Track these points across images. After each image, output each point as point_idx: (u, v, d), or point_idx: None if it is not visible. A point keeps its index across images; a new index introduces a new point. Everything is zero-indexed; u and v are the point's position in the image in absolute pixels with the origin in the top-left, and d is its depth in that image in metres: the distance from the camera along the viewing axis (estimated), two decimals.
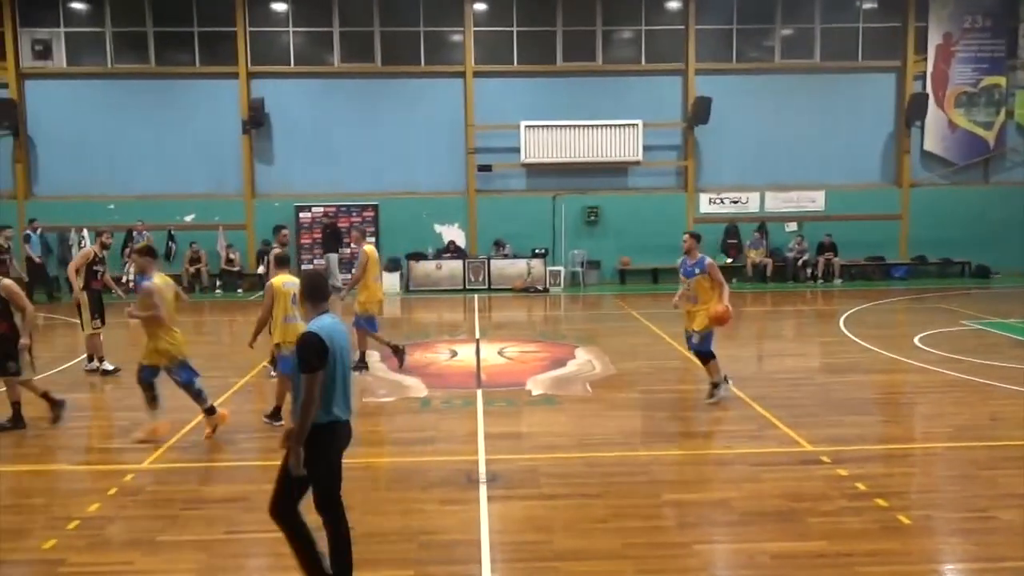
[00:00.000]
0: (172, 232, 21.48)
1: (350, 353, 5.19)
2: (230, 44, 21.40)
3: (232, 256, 21.33)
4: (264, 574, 5.64)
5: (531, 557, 5.67)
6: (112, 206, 21.34)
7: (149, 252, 8.78)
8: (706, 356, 9.68)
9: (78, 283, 11.40)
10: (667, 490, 6.88)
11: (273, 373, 10.07)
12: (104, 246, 11.82)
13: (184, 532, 6.15)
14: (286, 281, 8.91)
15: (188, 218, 21.63)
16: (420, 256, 21.57)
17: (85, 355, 11.93)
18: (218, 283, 21.26)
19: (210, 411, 8.51)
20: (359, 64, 21.76)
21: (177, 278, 20.93)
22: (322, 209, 21.66)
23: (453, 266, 21.32)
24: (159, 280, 8.32)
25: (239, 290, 21.15)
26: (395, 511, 6.49)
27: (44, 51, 21.23)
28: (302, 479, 4.90)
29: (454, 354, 13.05)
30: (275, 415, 8.93)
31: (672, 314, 16.69)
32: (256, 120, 21.19)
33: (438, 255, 21.61)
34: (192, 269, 21.11)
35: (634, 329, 15.20)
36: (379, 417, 9.32)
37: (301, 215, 21.57)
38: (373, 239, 21.77)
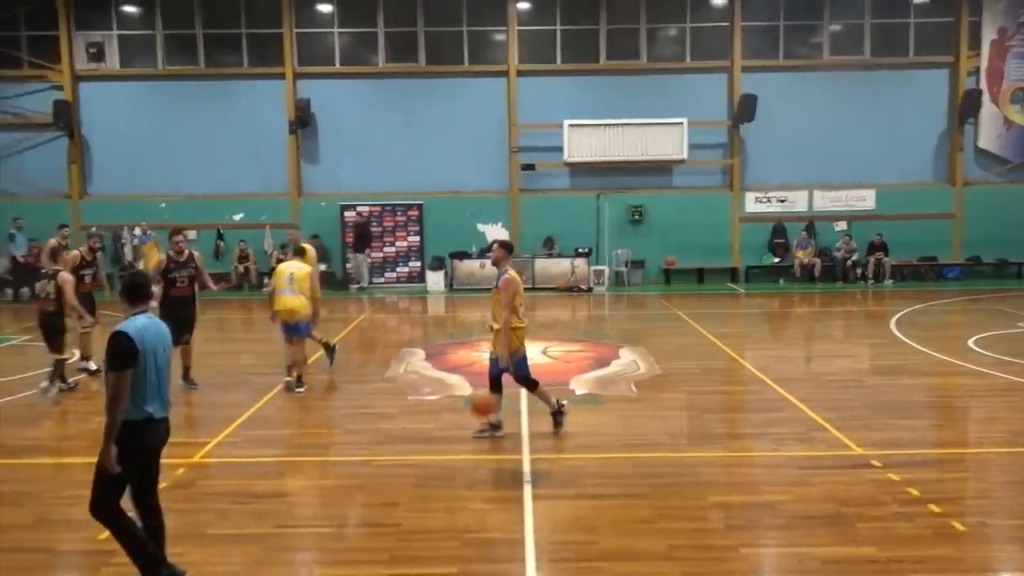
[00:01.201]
0: (221, 231, 21.84)
1: (168, 351, 5.24)
2: (277, 45, 21.70)
3: (282, 256, 21.56)
4: (312, 569, 5.70)
5: (576, 557, 5.65)
6: (163, 205, 21.78)
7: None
8: (526, 383, 8.35)
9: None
10: (713, 492, 6.81)
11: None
12: (92, 250, 12.04)
13: (234, 526, 6.25)
14: (289, 264, 10.72)
15: (237, 217, 21.98)
16: (464, 255, 21.65)
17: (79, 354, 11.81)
18: (266, 281, 21.53)
19: None
20: (403, 64, 21.92)
21: (226, 275, 21.44)
22: (367, 208, 21.84)
23: None
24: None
25: None
26: (440, 509, 6.52)
27: (98, 54, 21.73)
28: (119, 475, 4.94)
29: None
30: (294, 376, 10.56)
31: (719, 314, 16.56)
32: (302, 120, 21.45)
33: (481, 254, 21.67)
34: (241, 267, 21.46)
35: (680, 329, 15.08)
36: (423, 415, 9.37)
37: (346, 214, 21.77)
38: (418, 238, 21.94)
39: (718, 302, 19.24)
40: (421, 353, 12.90)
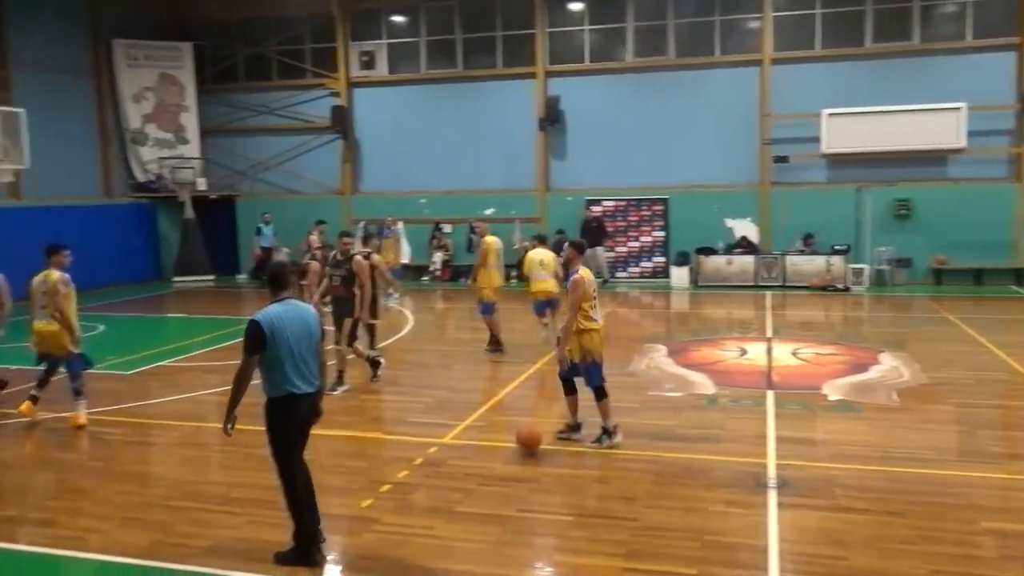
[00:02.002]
0: (473, 226, 22.91)
1: (312, 335, 5.53)
2: (529, 45, 22.38)
3: (529, 245, 22.24)
4: (552, 554, 5.83)
5: (824, 571, 5.33)
6: (423, 201, 23.26)
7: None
8: (596, 391, 7.99)
9: None
10: (987, 517, 6.13)
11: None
12: (343, 252, 10.73)
13: (480, 506, 6.55)
14: (538, 251, 12.37)
15: (488, 212, 22.95)
16: (710, 251, 21.11)
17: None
18: (513, 274, 22.34)
19: None
20: (651, 58, 21.74)
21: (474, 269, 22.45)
22: (612, 203, 21.95)
23: (744, 261, 20.63)
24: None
25: None
26: (678, 507, 6.42)
27: (369, 61, 23.63)
28: (282, 444, 5.48)
29: (743, 352, 12.62)
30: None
31: (999, 320, 14.89)
32: (552, 117, 21.97)
33: (728, 250, 21.02)
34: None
35: (951, 335, 13.72)
36: (664, 412, 9.27)
37: (591, 209, 22.00)
38: (662, 233, 21.72)
39: (999, 306, 17.24)
40: (663, 349, 12.76)
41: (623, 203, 22.01)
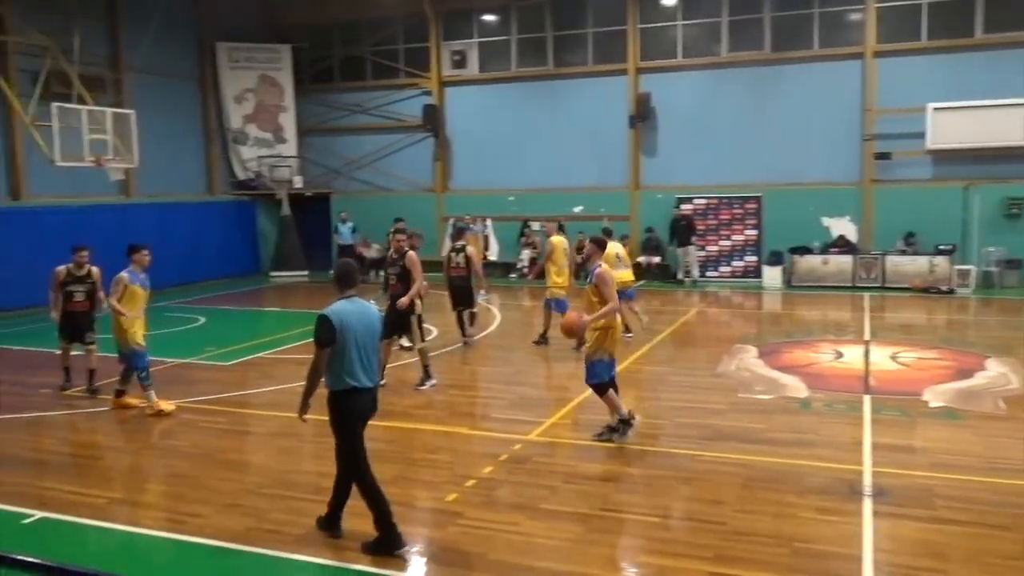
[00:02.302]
0: (561, 223, 22.84)
1: (374, 333, 5.83)
2: (621, 42, 22.20)
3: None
4: (636, 554, 5.78)
5: None
6: (512, 198, 23.37)
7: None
8: (596, 388, 8.02)
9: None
10: None
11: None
12: (397, 250, 10.64)
13: (563, 503, 6.54)
14: (614, 245, 12.85)
15: (577, 209, 22.90)
16: (805, 250, 20.51)
17: None
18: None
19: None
20: (746, 52, 21.26)
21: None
22: (704, 201, 21.59)
23: (841, 261, 19.97)
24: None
25: None
26: (768, 512, 6.27)
27: (460, 60, 23.88)
28: (348, 436, 5.71)
29: (839, 355, 12.23)
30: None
31: None
32: (643, 114, 21.75)
33: (825, 249, 20.38)
34: (579, 258, 22.32)
35: None
36: (755, 414, 9.06)
37: (683, 207, 21.68)
38: (755, 231, 21.26)
39: None
40: (754, 350, 12.47)
41: (714, 201, 21.61)
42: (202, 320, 16.19)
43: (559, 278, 13.37)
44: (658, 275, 21.59)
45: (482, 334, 14.01)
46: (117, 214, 19.67)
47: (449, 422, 8.99)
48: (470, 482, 7.04)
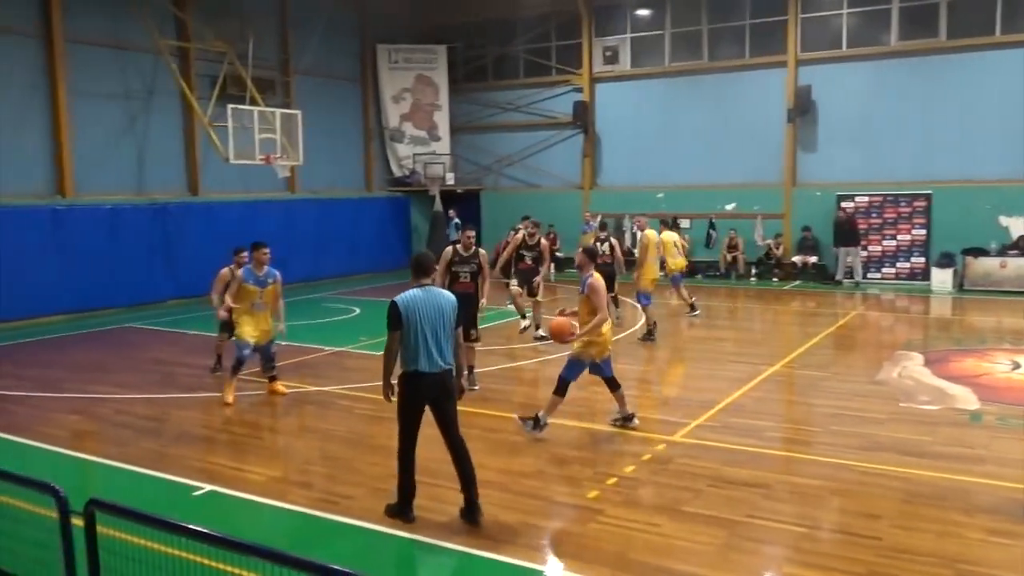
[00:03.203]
0: (713, 220, 22.37)
1: (445, 319, 6.10)
2: (780, 33, 21.37)
3: (775, 248, 21.29)
4: (781, 565, 5.56)
5: None
6: (661, 195, 23.01)
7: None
8: (561, 383, 8.20)
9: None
10: None
11: None
12: (531, 235, 13.25)
13: (707, 507, 6.38)
14: (670, 234, 15.26)
15: (729, 207, 22.28)
16: (979, 252, 19.05)
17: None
18: (754, 271, 21.54)
19: None
20: (918, 41, 19.96)
21: (715, 265, 21.93)
22: (867, 199, 20.48)
23: (1021, 265, 18.42)
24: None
25: (774, 279, 21.11)
26: (930, 531, 5.88)
27: (612, 56, 23.72)
28: (403, 416, 6.12)
29: (1016, 366, 11.29)
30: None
31: None
32: (802, 108, 20.87)
33: (1002, 251, 18.85)
34: (729, 256, 21.76)
35: None
36: (919, 425, 8.50)
37: (843, 205, 20.63)
38: (923, 231, 19.99)
39: None
40: (919, 357, 11.71)
41: (878, 198, 20.44)
42: (357, 311, 16.90)
43: (648, 273, 13.75)
44: (815, 276, 20.68)
45: (627, 332, 13.88)
46: (282, 209, 20.85)
47: (592, 419, 8.95)
48: (611, 480, 6.99)
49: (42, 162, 16.85)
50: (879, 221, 20.46)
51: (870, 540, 5.74)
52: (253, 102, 18.14)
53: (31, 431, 8.75)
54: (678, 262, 15.22)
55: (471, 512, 6.09)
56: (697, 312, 15.42)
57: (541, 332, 12.40)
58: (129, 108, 18.43)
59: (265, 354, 9.94)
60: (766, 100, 21.50)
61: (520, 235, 13.36)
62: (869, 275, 20.37)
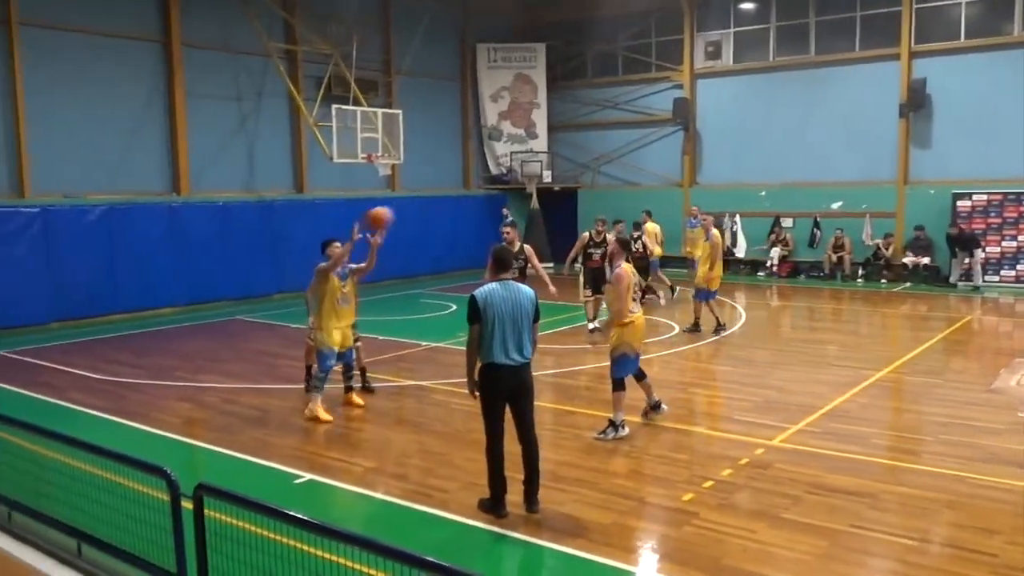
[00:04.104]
0: (818, 219, 21.64)
1: (523, 312, 6.12)
2: (892, 25, 20.48)
3: (884, 248, 20.42)
4: None
5: None
6: (763, 193, 22.42)
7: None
8: (616, 383, 8.13)
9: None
10: None
11: None
12: (599, 232, 14.01)
13: (807, 515, 6.17)
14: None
15: (835, 205, 21.51)
16: None
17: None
18: (860, 272, 20.73)
19: None
20: None
21: (818, 265, 21.21)
22: (985, 197, 19.41)
23: None
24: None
25: (882, 281, 20.24)
26: None
27: (714, 52, 23.24)
28: (486, 408, 6.19)
29: None
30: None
31: None
32: (916, 102, 19.95)
33: None
34: (835, 257, 20.99)
35: None
36: None
37: (959, 203, 19.64)
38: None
39: None
40: None
41: (997, 197, 19.35)
42: (453, 307, 17.11)
43: (712, 270, 13.71)
44: (927, 278, 19.75)
45: (726, 333, 13.58)
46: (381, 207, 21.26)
47: (689, 421, 8.80)
48: (707, 483, 6.85)
49: (160, 161, 17.75)
50: (998, 221, 19.37)
51: (984, 556, 5.44)
52: (356, 102, 18.60)
53: (146, 417, 9.22)
54: (658, 251, 17.41)
55: (527, 504, 6.24)
56: (662, 297, 16.94)
57: (595, 325, 13.49)
58: (240, 109, 19.20)
59: (346, 362, 9.53)
60: (877, 94, 20.64)
61: (586, 234, 14.06)
62: (986, 278, 19.29)
